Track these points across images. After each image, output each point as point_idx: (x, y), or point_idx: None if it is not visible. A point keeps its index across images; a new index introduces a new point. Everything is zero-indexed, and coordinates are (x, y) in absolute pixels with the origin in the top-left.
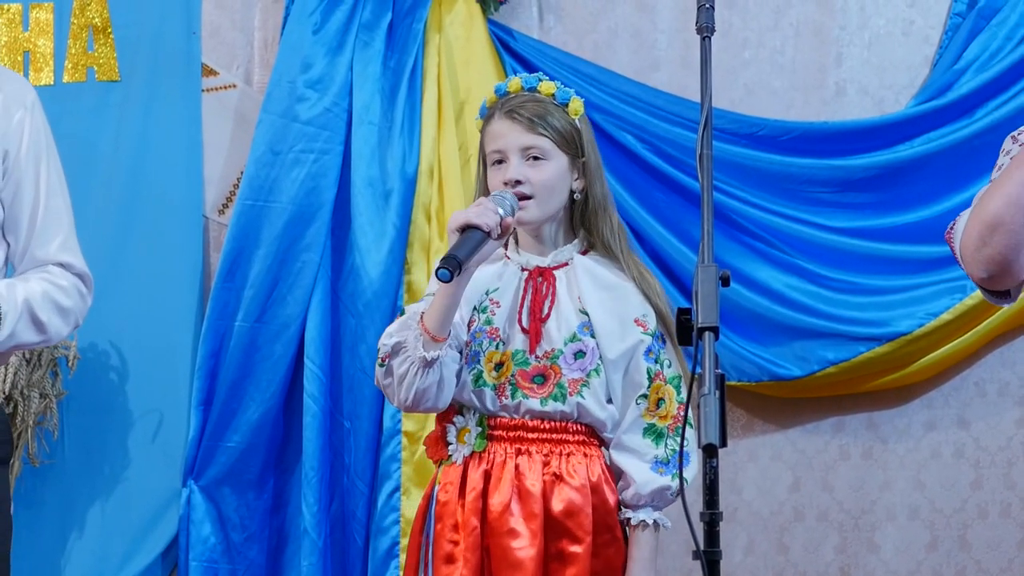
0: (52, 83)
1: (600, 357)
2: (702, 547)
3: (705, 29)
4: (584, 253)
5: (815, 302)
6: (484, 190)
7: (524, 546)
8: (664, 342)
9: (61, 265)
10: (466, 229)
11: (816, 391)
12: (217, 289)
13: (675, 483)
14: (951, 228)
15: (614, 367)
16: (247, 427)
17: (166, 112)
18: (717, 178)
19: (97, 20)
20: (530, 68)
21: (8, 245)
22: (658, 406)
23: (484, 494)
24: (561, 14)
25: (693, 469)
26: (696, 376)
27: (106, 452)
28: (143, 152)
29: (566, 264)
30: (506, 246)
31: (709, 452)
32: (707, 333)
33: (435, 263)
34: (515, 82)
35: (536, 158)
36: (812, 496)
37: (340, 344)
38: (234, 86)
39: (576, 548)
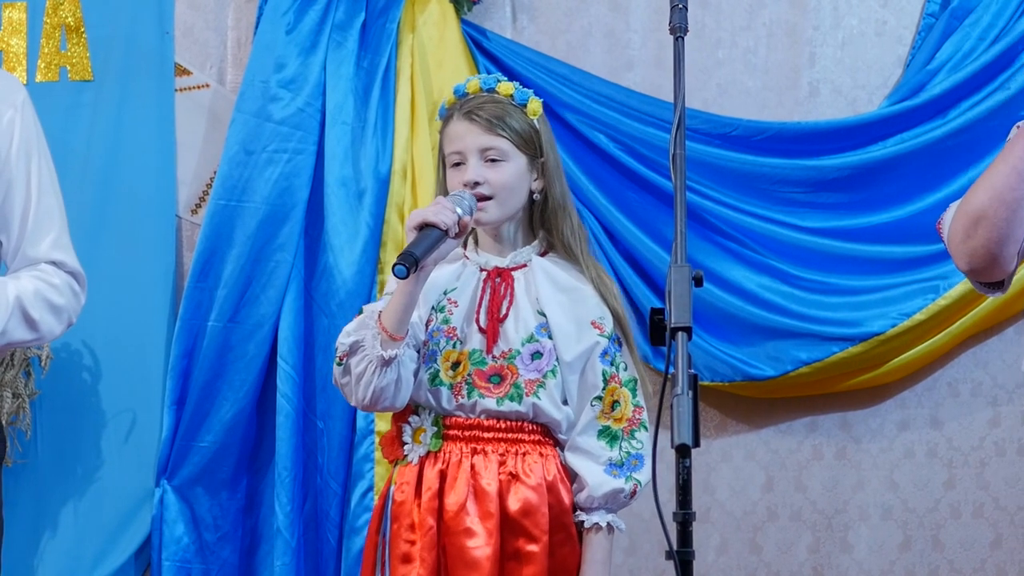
0: (25, 83)
1: (557, 358)
2: (675, 547)
3: (678, 29)
4: (543, 254)
5: (788, 302)
6: (444, 191)
7: (480, 545)
8: (620, 345)
9: (54, 263)
10: (424, 227)
11: (789, 391)
12: (190, 289)
13: (628, 485)
14: (941, 219)
15: (570, 368)
16: (220, 427)
17: (139, 111)
18: (690, 178)
19: (70, 20)
20: (503, 68)
21: (0, 244)
22: (613, 408)
23: (440, 493)
24: (534, 14)
25: (647, 472)
26: (669, 376)
27: (79, 452)
28: (116, 151)
29: (524, 265)
30: (465, 246)
31: (682, 452)
32: (680, 333)
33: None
34: (474, 83)
35: (495, 159)
36: (785, 496)
37: (313, 344)
38: (207, 86)
39: (533, 547)
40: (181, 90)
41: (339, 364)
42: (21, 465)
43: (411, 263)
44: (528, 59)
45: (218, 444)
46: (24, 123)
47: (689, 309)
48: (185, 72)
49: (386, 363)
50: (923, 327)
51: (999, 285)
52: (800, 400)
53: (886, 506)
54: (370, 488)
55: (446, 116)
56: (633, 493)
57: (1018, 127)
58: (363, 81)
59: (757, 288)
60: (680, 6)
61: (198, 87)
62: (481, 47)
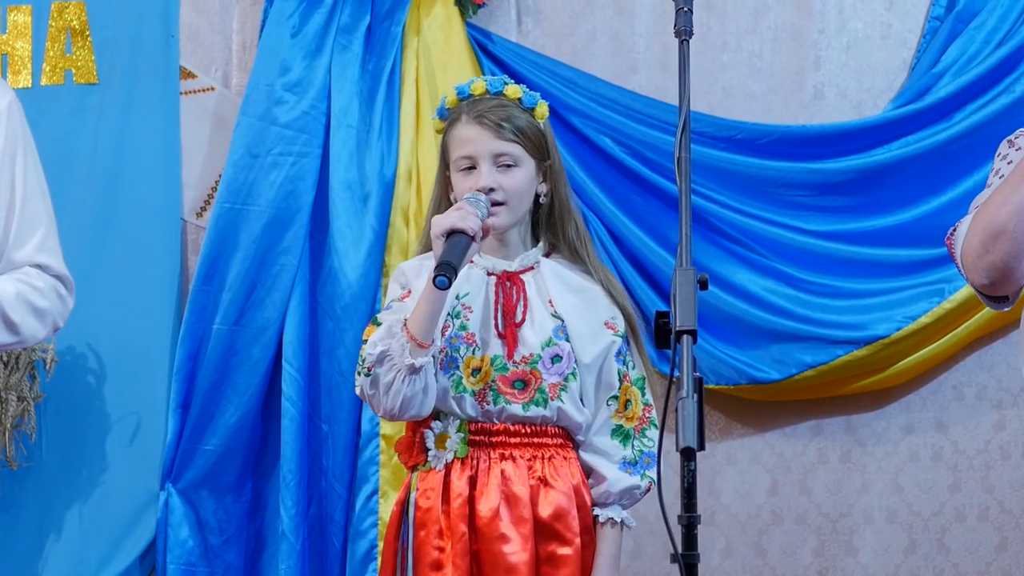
0: (30, 86)
1: (575, 361)
2: (680, 550)
3: (683, 32)
4: (547, 256)
5: (793, 305)
6: (445, 192)
7: (516, 551)
8: (629, 344)
9: (38, 267)
10: (452, 234)
11: (794, 394)
12: (195, 292)
13: (643, 483)
14: (951, 234)
15: (588, 370)
16: (225, 430)
17: (144, 115)
18: (695, 181)
19: (75, 23)
20: (508, 71)
21: None
22: (626, 407)
23: (471, 500)
24: (539, 17)
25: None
26: (674, 379)
27: (84, 455)
28: (121, 155)
29: (532, 268)
30: None
31: (687, 455)
32: (685, 336)
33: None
34: (479, 84)
35: (507, 165)
36: (790, 499)
37: (318, 347)
38: (212, 89)
39: (566, 550)
40: (186, 93)
41: (367, 375)
42: (26, 468)
43: (452, 273)
44: (533, 62)
45: (223, 447)
46: (10, 127)
47: (694, 312)
48: (190, 75)
49: (415, 371)
50: (928, 330)
51: (1004, 299)
52: (805, 403)
53: (891, 509)
54: (375, 491)
55: (451, 117)
56: (647, 490)
57: (1009, 142)
58: (368, 84)
59: (762, 291)
60: (685, 9)
61: (203, 90)
62: (486, 50)
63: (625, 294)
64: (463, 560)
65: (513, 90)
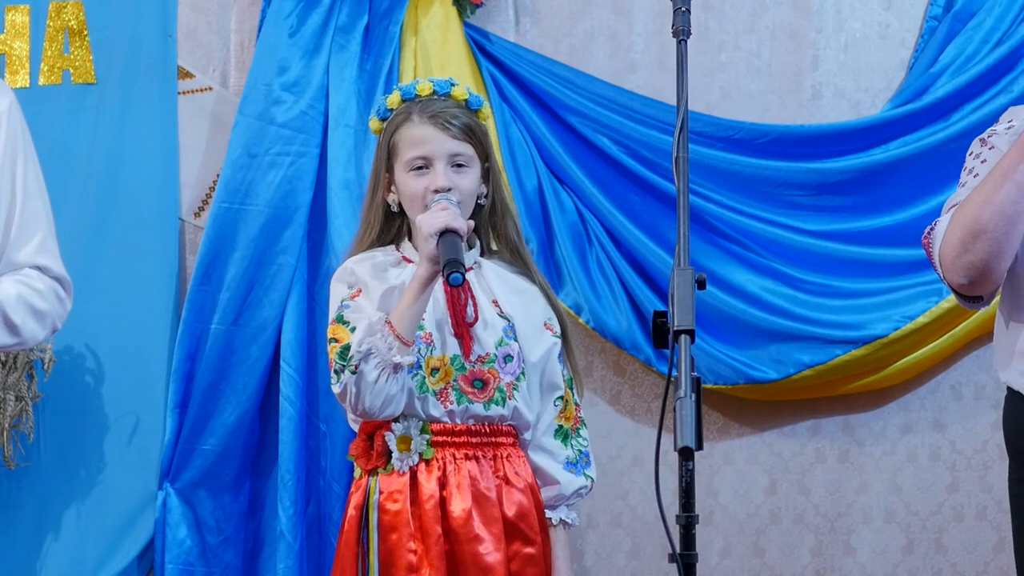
0: (28, 85)
1: (523, 360)
2: (678, 550)
3: (681, 32)
4: (482, 256)
5: (791, 305)
6: (385, 193)
7: (491, 551)
8: (565, 345)
9: (38, 268)
10: (445, 233)
11: (792, 394)
12: (193, 292)
13: (587, 482)
14: (928, 233)
15: (534, 369)
16: (223, 430)
17: (142, 115)
18: (693, 181)
19: (73, 23)
20: (506, 71)
21: None
22: (564, 408)
23: (441, 501)
24: (537, 17)
25: (594, 469)
26: (672, 379)
27: (82, 455)
28: (119, 155)
29: (471, 268)
30: (399, 247)
31: (685, 455)
32: (683, 336)
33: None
34: (426, 85)
35: (461, 165)
36: (788, 499)
37: (316, 347)
38: (210, 89)
39: (530, 549)
40: (184, 93)
41: (354, 372)
42: (24, 468)
43: (462, 269)
44: (531, 62)
45: (221, 447)
46: (10, 128)
47: (692, 312)
48: (188, 75)
49: (399, 369)
50: (926, 330)
51: (979, 299)
52: (803, 403)
53: (889, 509)
54: None
55: (398, 117)
56: (590, 489)
57: (981, 140)
58: (366, 84)
59: (760, 291)
60: (683, 9)
61: (201, 90)
62: (484, 50)
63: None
64: (440, 561)
65: (459, 91)
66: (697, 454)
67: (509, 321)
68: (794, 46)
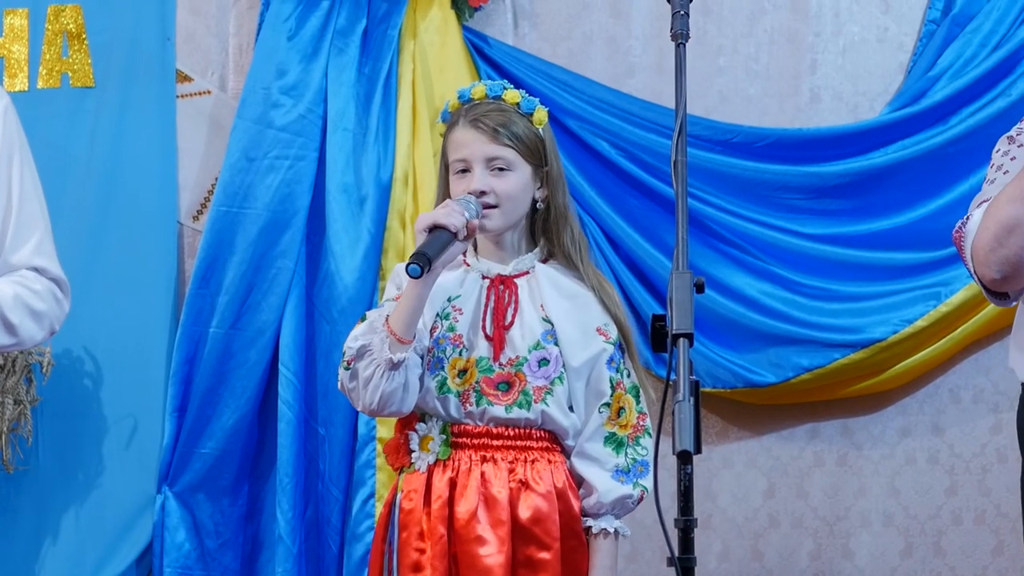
0: (26, 89)
1: (564, 365)
2: (676, 554)
3: (680, 36)
4: (544, 262)
5: (790, 309)
6: (445, 196)
7: (492, 553)
8: (623, 352)
9: (35, 269)
10: (433, 229)
11: (791, 398)
12: (192, 295)
13: (636, 492)
14: (960, 228)
15: (577, 375)
16: (222, 433)
17: (141, 118)
18: (692, 184)
19: (72, 26)
20: (505, 74)
21: None
22: (619, 415)
23: (450, 502)
24: (536, 20)
25: (651, 479)
26: (671, 382)
27: (80, 458)
28: (118, 158)
29: (527, 272)
30: (465, 253)
31: (684, 459)
32: (682, 339)
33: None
34: (480, 89)
35: (501, 168)
36: (787, 503)
37: (315, 351)
38: (209, 92)
39: (545, 555)
40: (183, 96)
41: (346, 368)
42: (22, 472)
43: (424, 263)
44: (530, 66)
45: (219, 451)
46: (6, 130)
47: (691, 315)
48: (186, 79)
49: (394, 366)
50: (924, 333)
51: (1006, 296)
52: (801, 407)
53: (888, 513)
54: (371, 495)
55: (451, 121)
56: (640, 499)
57: (1009, 138)
58: (364, 87)
59: (758, 294)
60: (682, 12)
61: (199, 94)
62: (483, 53)
63: (619, 302)
64: (441, 562)
65: (512, 95)
66: (696, 458)
67: (551, 325)
68: (792, 50)
